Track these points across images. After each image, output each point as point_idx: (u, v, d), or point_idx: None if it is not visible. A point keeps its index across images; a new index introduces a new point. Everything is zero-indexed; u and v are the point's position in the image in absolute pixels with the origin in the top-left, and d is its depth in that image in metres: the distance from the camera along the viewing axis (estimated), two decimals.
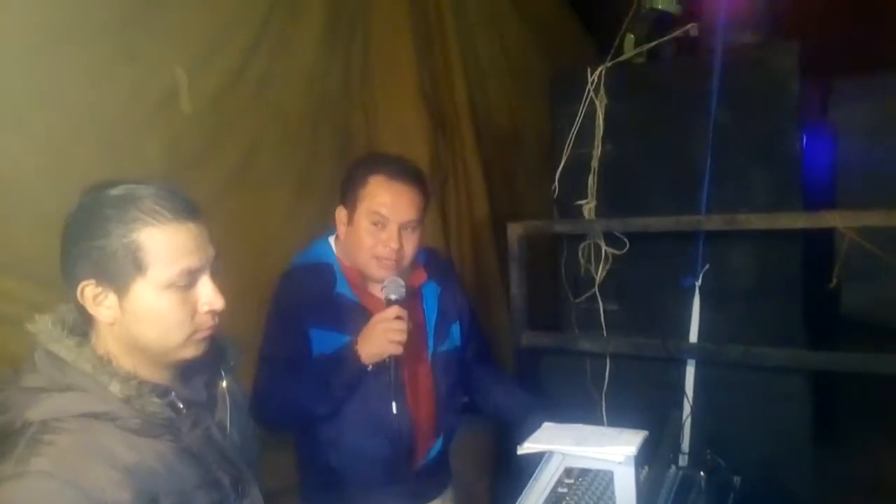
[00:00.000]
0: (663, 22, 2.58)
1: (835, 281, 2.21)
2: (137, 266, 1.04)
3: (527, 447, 1.31)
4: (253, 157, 2.31)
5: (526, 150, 3.64)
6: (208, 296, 1.10)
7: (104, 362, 1.06)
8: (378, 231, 1.71)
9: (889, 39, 5.06)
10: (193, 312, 1.10)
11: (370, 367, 1.68)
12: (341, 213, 1.78)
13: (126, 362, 1.08)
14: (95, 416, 1.02)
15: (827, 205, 3.64)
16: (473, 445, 2.42)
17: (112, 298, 1.06)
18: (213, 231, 2.03)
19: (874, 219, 2.13)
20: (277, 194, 2.39)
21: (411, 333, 1.69)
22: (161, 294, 1.06)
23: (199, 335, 1.12)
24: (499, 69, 3.53)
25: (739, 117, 2.34)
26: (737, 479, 1.81)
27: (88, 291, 1.05)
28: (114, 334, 1.08)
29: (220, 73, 2.19)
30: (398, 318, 1.66)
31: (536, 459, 1.38)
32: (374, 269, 1.74)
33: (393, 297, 1.69)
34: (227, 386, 1.26)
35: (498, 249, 3.16)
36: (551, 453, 1.31)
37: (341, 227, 1.79)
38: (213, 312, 1.11)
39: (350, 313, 1.75)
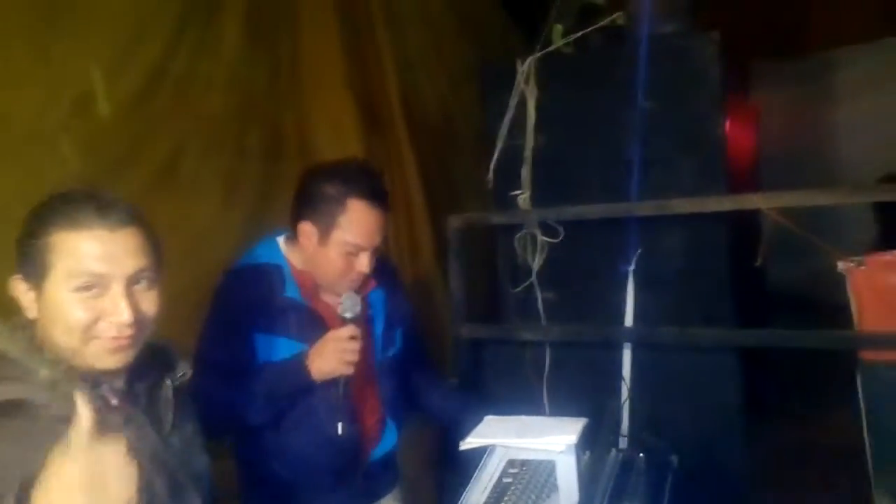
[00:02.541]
0: (590, 12, 2.61)
1: (760, 260, 2.29)
2: (48, 266, 1.08)
3: (469, 442, 1.32)
4: (177, 161, 2.24)
5: (461, 142, 3.64)
6: (112, 306, 1.09)
7: (35, 349, 1.09)
8: (351, 257, 1.68)
9: (808, 23, 5.28)
10: (96, 320, 1.09)
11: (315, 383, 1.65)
12: (308, 230, 1.70)
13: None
14: (19, 403, 1.02)
15: (751, 186, 3.77)
16: (419, 442, 2.42)
17: (31, 295, 1.10)
18: None
19: (794, 199, 2.21)
20: (205, 197, 2.32)
21: (362, 346, 1.66)
22: (66, 297, 1.08)
23: (107, 344, 1.10)
24: (430, 62, 3.51)
25: (665, 105, 2.39)
26: (674, 458, 1.86)
27: (17, 285, 1.11)
28: (40, 329, 1.11)
29: (138, 75, 2.11)
30: (353, 337, 1.63)
31: (481, 453, 1.39)
32: (340, 288, 1.71)
33: (348, 315, 1.65)
34: (172, 396, 1.23)
35: (436, 243, 3.15)
36: (494, 446, 1.32)
37: (308, 244, 1.71)
38: (119, 324, 1.09)
39: (299, 319, 1.70)
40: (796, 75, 6.00)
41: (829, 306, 2.30)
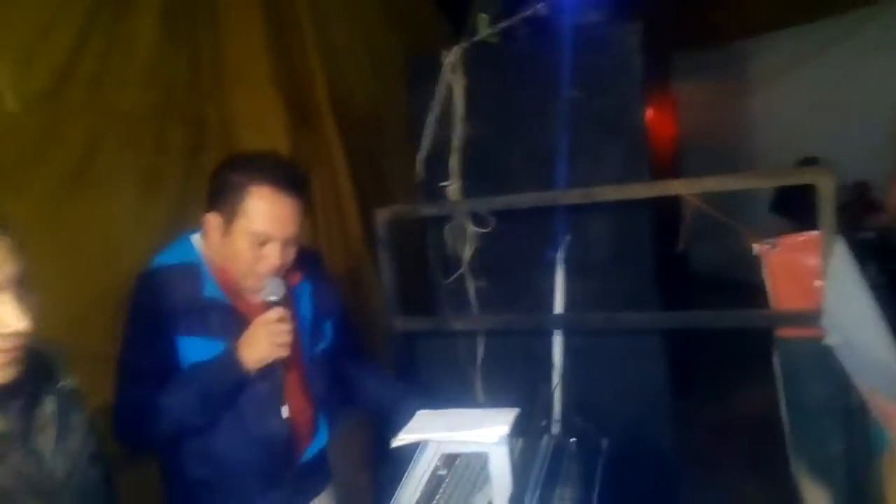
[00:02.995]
0: (514, 2, 2.62)
1: (681, 244, 2.36)
2: None
3: (400, 439, 1.31)
4: (91, 158, 2.14)
5: (390, 134, 3.62)
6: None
7: None
8: (259, 248, 1.61)
9: (724, 14, 5.46)
10: None
11: (251, 373, 1.61)
12: (215, 221, 1.63)
13: None
14: None
15: (673, 173, 3.88)
16: (352, 439, 2.40)
17: None
18: (51, 237, 1.89)
19: (713, 184, 2.29)
20: (121, 195, 2.23)
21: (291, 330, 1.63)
22: None
23: None
24: (357, 55, 3.47)
25: (589, 94, 2.42)
26: (605, 442, 1.90)
27: None
28: None
29: (48, 70, 2.00)
30: (281, 319, 1.59)
31: (415, 449, 1.38)
32: (251, 283, 1.65)
33: (273, 298, 1.61)
34: (54, 410, 1.15)
35: (367, 236, 3.13)
36: (426, 442, 1.32)
37: (214, 236, 1.65)
38: (9, 335, 1.02)
39: (221, 318, 1.64)
40: (714, 65, 6.23)
41: (747, 286, 2.39)
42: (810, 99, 5.80)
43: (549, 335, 2.49)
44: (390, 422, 1.75)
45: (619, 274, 2.46)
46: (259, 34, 2.81)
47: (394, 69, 3.37)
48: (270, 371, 1.63)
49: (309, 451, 1.83)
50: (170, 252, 1.71)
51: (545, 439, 1.80)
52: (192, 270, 1.65)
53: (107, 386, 1.63)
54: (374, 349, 2.71)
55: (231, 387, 1.61)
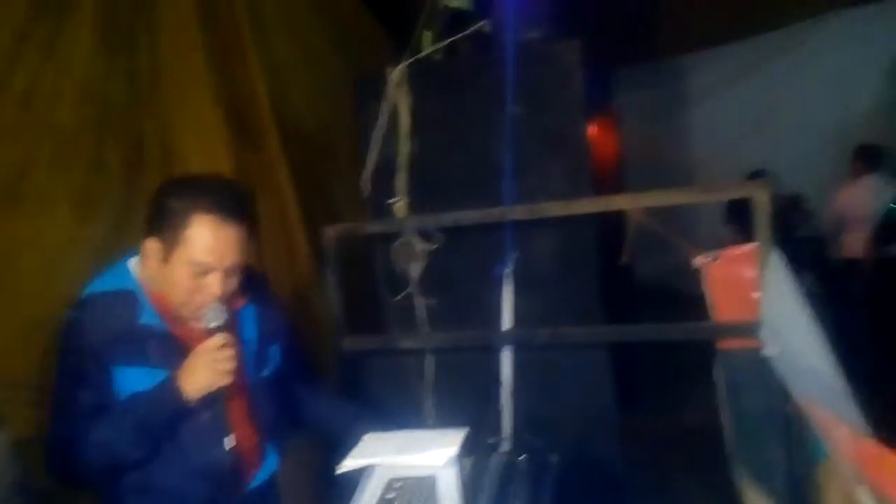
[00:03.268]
0: (458, 19, 2.64)
1: (625, 258, 2.40)
2: None
3: (347, 465, 1.29)
4: (24, 177, 2.06)
5: (337, 153, 3.59)
6: None
7: None
8: (199, 277, 1.55)
9: (665, 30, 5.62)
10: None
11: (193, 403, 1.55)
12: (154, 247, 1.57)
13: None
14: None
15: (616, 188, 3.96)
16: (302, 464, 2.35)
17: None
18: None
19: (654, 199, 2.34)
20: (55, 217, 2.15)
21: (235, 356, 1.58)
22: None
23: None
24: (301, 73, 3.43)
25: (532, 111, 2.46)
26: (555, 457, 1.91)
27: None
28: None
29: None
30: (224, 345, 1.54)
31: (365, 473, 1.36)
32: (191, 311, 1.59)
33: (215, 324, 1.55)
34: None
35: (314, 255, 3.09)
36: (373, 467, 1.30)
37: (152, 262, 1.59)
38: None
39: (160, 346, 1.58)
40: (655, 80, 6.39)
41: (689, 299, 2.44)
42: (748, 113, 5.99)
43: (498, 351, 2.50)
44: (340, 445, 1.72)
45: (566, 289, 2.49)
46: (200, 51, 2.76)
47: (340, 88, 3.35)
48: (214, 400, 1.58)
49: (257, 479, 1.78)
50: (105, 278, 1.64)
51: (495, 457, 1.80)
52: (129, 297, 1.59)
53: (38, 416, 1.57)
54: (323, 370, 2.68)
55: (171, 417, 1.56)
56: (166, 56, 2.68)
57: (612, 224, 2.70)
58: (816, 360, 1.79)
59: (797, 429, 1.98)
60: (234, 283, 1.62)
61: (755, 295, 2.05)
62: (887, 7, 5.26)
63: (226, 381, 1.55)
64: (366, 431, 1.51)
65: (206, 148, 2.71)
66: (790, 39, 5.74)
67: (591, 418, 2.45)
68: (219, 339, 1.54)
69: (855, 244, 4.69)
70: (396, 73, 2.52)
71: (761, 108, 5.92)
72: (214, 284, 1.56)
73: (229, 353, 1.55)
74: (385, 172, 2.58)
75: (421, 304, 2.56)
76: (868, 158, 4.68)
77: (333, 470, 1.41)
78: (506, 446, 2.07)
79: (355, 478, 1.35)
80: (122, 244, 2.13)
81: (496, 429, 2.36)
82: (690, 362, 2.48)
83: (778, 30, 5.72)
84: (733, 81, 6.11)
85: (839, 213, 4.75)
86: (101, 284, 1.62)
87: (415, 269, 2.56)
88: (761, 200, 2.04)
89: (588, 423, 2.43)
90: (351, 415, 1.87)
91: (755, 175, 4.74)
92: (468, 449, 1.45)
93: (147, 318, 1.58)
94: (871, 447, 1.09)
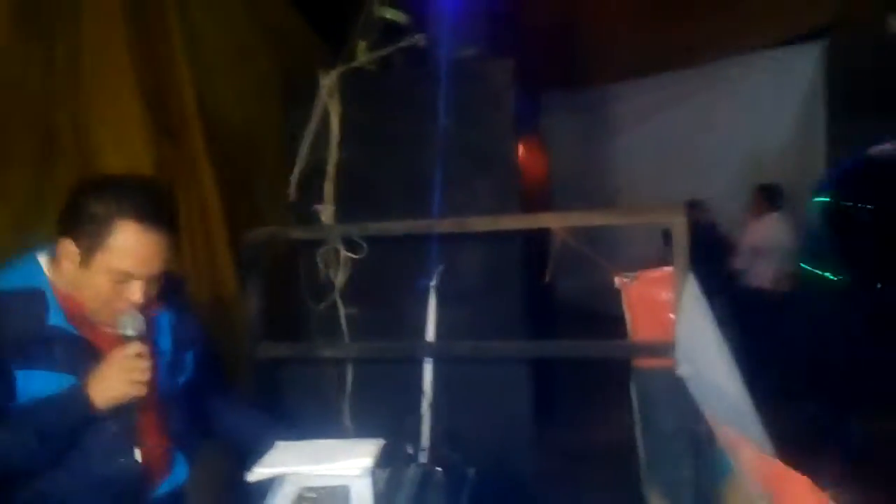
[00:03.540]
0: (393, 31, 2.65)
1: (548, 276, 2.44)
2: None
3: (257, 473, 1.24)
4: None
5: (264, 154, 3.50)
6: None
7: None
8: (119, 285, 1.48)
9: (592, 58, 5.80)
10: None
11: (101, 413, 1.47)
12: (70, 249, 1.47)
13: None
14: None
15: (542, 207, 4.03)
16: (210, 474, 2.26)
17: None
18: None
19: (578, 219, 2.40)
20: None
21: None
22: None
23: None
24: (230, 70, 3.34)
25: (463, 126, 2.48)
26: (471, 470, 1.90)
27: None
28: None
29: None
30: (139, 355, 1.46)
31: (274, 482, 1.32)
32: (106, 317, 1.51)
33: (131, 332, 1.48)
34: None
35: (236, 259, 3.00)
36: (285, 475, 1.26)
37: (68, 264, 1.49)
38: None
39: (68, 350, 1.48)
40: (582, 105, 6.58)
41: (610, 318, 2.50)
42: (668, 144, 6.24)
43: (421, 363, 2.49)
44: (250, 456, 1.67)
45: (490, 303, 2.51)
46: (123, 39, 2.64)
47: (270, 89, 3.28)
48: (124, 411, 1.50)
49: (163, 488, 1.70)
50: (11, 274, 1.53)
51: (412, 469, 1.77)
52: (36, 296, 1.49)
53: None
54: (242, 377, 2.60)
55: (76, 426, 1.46)
56: (86, 45, 2.55)
57: (537, 242, 2.75)
58: (725, 381, 1.85)
59: (705, 446, 2.04)
60: (154, 290, 1.55)
61: (671, 316, 2.12)
62: (802, 50, 5.60)
63: (139, 392, 1.47)
64: (278, 441, 1.46)
65: (123, 142, 2.59)
66: (711, 76, 6.02)
67: (510, 432, 2.47)
68: (134, 347, 1.46)
69: (762, 275, 4.94)
70: (329, 80, 2.50)
71: (681, 140, 6.17)
72: (135, 293, 1.48)
73: (145, 363, 1.47)
74: (313, 178, 2.55)
75: (343, 313, 2.53)
76: (770, 197, 4.96)
77: (243, 479, 1.36)
78: (423, 459, 2.06)
79: (266, 487, 1.30)
80: (30, 238, 2.02)
81: (415, 441, 2.34)
82: (609, 379, 2.54)
83: (699, 66, 5.99)
84: (655, 112, 6.35)
85: (750, 245, 5.00)
86: (7, 281, 1.51)
87: (339, 278, 2.52)
88: (679, 227, 2.11)
89: (506, 437, 2.45)
90: (261, 426, 1.82)
91: (693, 205, 4.96)
92: (384, 460, 1.42)
93: (55, 320, 1.48)
94: (774, 465, 1.13)
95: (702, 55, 5.82)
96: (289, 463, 1.27)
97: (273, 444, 1.46)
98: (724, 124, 5.96)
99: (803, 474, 1.03)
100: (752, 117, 5.86)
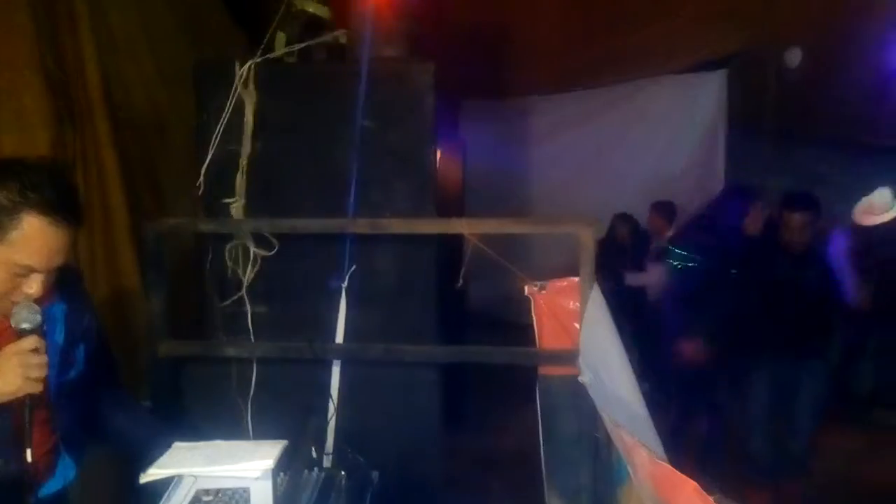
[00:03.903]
0: (314, 25, 2.60)
1: (461, 281, 2.45)
2: None
3: (151, 474, 1.19)
4: None
5: (173, 143, 3.37)
6: None
7: None
8: (19, 278, 1.40)
9: (512, 70, 5.90)
10: None
11: None
12: None
13: None
14: None
15: (457, 212, 4.06)
16: (99, 475, 2.15)
17: None
18: None
19: (491, 226, 2.43)
20: None
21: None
22: None
23: None
24: (140, 54, 3.20)
25: (382, 126, 2.46)
26: (375, 474, 1.89)
27: None
28: None
29: None
30: (36, 350, 1.38)
31: (167, 485, 1.26)
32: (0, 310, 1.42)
33: (26, 326, 1.39)
34: None
35: (138, 252, 2.86)
36: (181, 476, 1.21)
37: None
38: None
39: None
40: (501, 115, 6.68)
41: (519, 325, 2.54)
42: (581, 159, 6.42)
43: (329, 365, 2.45)
44: (142, 458, 1.59)
45: (402, 306, 2.50)
46: (24, 14, 2.49)
47: (183, 76, 3.16)
48: (14, 408, 1.40)
49: (47, 489, 1.59)
50: None
51: (315, 472, 1.75)
52: None
53: None
54: (140, 375, 2.48)
55: None
56: None
57: (450, 247, 2.76)
58: (624, 389, 1.92)
59: (605, 453, 2.11)
60: (51, 281, 1.46)
61: (576, 325, 2.17)
62: (708, 77, 5.90)
63: (34, 388, 1.39)
64: (175, 442, 1.40)
65: (20, 119, 2.46)
66: (624, 95, 6.25)
67: (417, 436, 2.46)
68: (31, 341, 1.38)
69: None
70: (244, 70, 2.43)
71: (593, 155, 6.37)
72: (34, 286, 1.40)
73: (41, 359, 1.39)
74: (224, 170, 2.46)
75: (250, 311, 2.45)
76: (666, 213, 5.17)
77: (135, 481, 1.30)
78: (327, 462, 2.02)
79: (160, 488, 1.24)
80: None
81: (320, 444, 2.29)
82: (518, 386, 2.58)
83: (614, 84, 6.21)
84: (571, 126, 6.53)
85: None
86: None
87: (248, 275, 2.45)
88: (585, 238, 2.17)
89: (413, 442, 2.44)
90: (153, 427, 1.74)
91: (621, 217, 5.14)
92: (286, 462, 1.39)
93: None
94: (664, 469, 1.18)
95: (617, 74, 6.03)
96: (185, 464, 1.22)
97: (167, 445, 1.39)
98: (633, 142, 6.19)
99: (692, 478, 1.08)
100: (659, 137, 6.12)
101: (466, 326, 4.69)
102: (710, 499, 1.04)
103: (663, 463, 1.20)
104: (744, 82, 5.82)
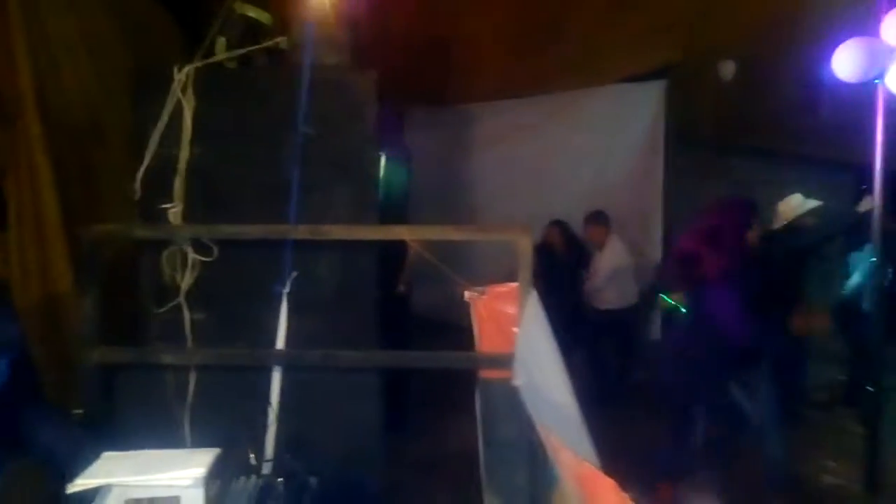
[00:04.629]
0: (255, 30, 2.59)
1: (402, 287, 2.48)
2: None
3: (79, 484, 1.18)
4: None
5: (111, 148, 3.30)
6: None
7: None
8: None
9: (455, 78, 5.94)
10: None
11: None
12: None
13: None
14: None
15: (401, 221, 4.07)
16: (25, 486, 2.09)
17: None
18: None
19: (432, 233, 2.47)
20: None
21: None
22: None
23: None
24: (78, 59, 3.13)
25: (324, 133, 2.47)
26: (313, 480, 1.90)
27: None
28: None
29: None
30: None
31: (97, 493, 1.25)
32: None
33: None
34: None
35: (73, 258, 2.80)
36: (109, 486, 1.20)
37: None
38: None
39: None
40: (444, 123, 6.71)
41: (462, 329, 2.57)
42: (523, 166, 6.48)
43: (269, 371, 2.44)
44: (69, 469, 1.57)
45: (344, 312, 2.50)
46: None
47: (121, 79, 3.11)
48: None
49: None
50: None
51: (252, 479, 1.75)
52: None
53: None
54: (72, 383, 2.42)
55: None
56: None
57: (393, 254, 2.78)
58: (556, 393, 1.97)
59: (541, 454, 2.16)
60: None
61: (515, 329, 2.22)
62: (647, 87, 6.04)
63: None
64: (104, 452, 1.39)
65: None
66: (565, 104, 6.34)
67: (358, 442, 2.47)
68: None
69: (608, 296, 5.23)
70: (183, 74, 2.40)
71: (536, 163, 6.44)
72: None
73: None
74: (163, 175, 2.43)
75: (188, 317, 2.43)
76: (600, 222, 5.29)
77: (61, 492, 1.28)
78: (265, 468, 2.02)
79: (88, 499, 1.23)
80: None
81: (258, 450, 2.28)
82: (459, 390, 2.61)
83: (556, 93, 6.30)
84: (513, 134, 6.58)
85: (609, 269, 5.25)
86: None
87: (186, 281, 2.43)
88: (523, 245, 2.23)
89: (354, 447, 2.45)
90: (77, 440, 1.72)
91: (555, 224, 5.21)
92: (220, 470, 1.39)
93: None
94: (586, 468, 1.22)
95: (558, 83, 6.12)
96: (115, 473, 1.21)
97: (95, 456, 1.38)
98: (575, 150, 6.29)
99: (611, 477, 1.13)
100: (599, 146, 6.23)
101: (411, 331, 4.71)
102: (627, 497, 1.09)
103: (585, 462, 1.25)
104: (681, 93, 5.98)
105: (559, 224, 5.40)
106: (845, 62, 3.20)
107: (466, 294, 2.38)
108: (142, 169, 2.42)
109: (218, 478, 1.47)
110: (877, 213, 3.37)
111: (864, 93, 3.31)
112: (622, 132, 6.19)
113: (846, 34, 3.23)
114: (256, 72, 2.60)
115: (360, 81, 2.51)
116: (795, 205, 4.27)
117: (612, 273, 5.16)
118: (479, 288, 2.37)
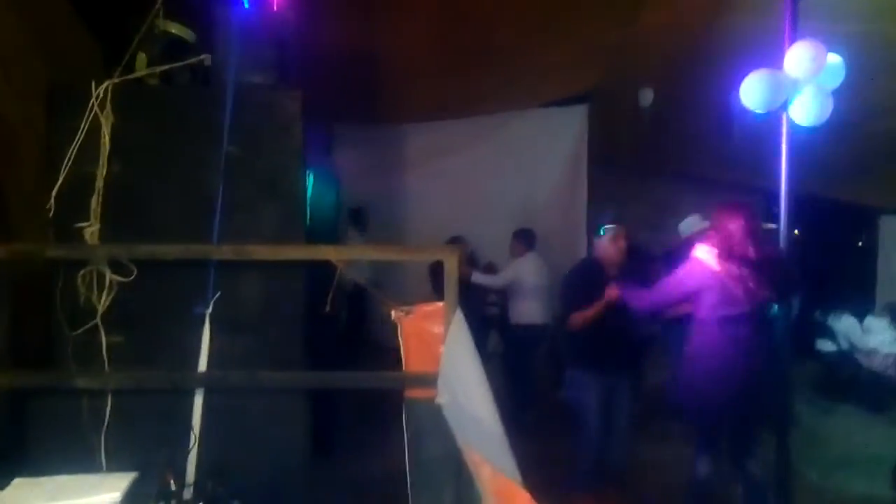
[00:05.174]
0: (177, 47, 2.55)
1: (329, 307, 2.47)
2: None
3: None
4: None
5: (23, 164, 3.16)
6: None
7: None
8: None
9: (385, 97, 5.98)
10: None
11: None
12: None
13: None
14: None
15: (330, 240, 4.05)
16: None
17: None
18: None
19: (358, 252, 2.48)
20: None
21: None
22: None
23: None
24: None
25: (249, 152, 2.45)
26: None
27: None
28: None
29: None
30: None
31: None
32: None
33: None
34: None
35: None
36: None
37: None
38: None
39: None
40: (375, 141, 6.74)
41: (391, 349, 2.58)
42: (453, 185, 6.58)
43: (191, 395, 2.38)
44: None
45: (268, 333, 2.47)
46: None
47: (36, 93, 2.99)
48: None
49: None
50: None
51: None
52: None
53: None
54: None
55: None
56: None
57: (321, 273, 2.77)
58: (480, 410, 2.00)
59: (467, 472, 2.18)
60: None
61: (441, 348, 2.24)
62: (570, 111, 6.25)
63: None
64: (15, 479, 1.33)
65: None
66: (493, 126, 6.49)
67: (284, 464, 2.44)
68: None
69: (528, 311, 5.34)
70: (101, 90, 2.35)
71: (464, 183, 6.54)
72: None
73: None
74: (79, 193, 2.36)
75: (104, 340, 2.35)
76: (526, 239, 5.45)
77: None
78: (186, 493, 1.97)
79: None
80: None
81: (180, 475, 2.22)
82: (388, 409, 2.61)
83: (483, 115, 6.43)
84: (442, 154, 6.68)
85: (509, 281, 5.38)
86: None
87: (102, 302, 2.35)
88: (450, 264, 2.26)
89: (279, 470, 2.42)
90: None
91: (453, 240, 5.25)
92: (136, 495, 1.36)
93: None
94: (503, 483, 1.25)
95: (484, 106, 6.25)
96: (27, 500, 1.17)
97: (4, 484, 1.32)
98: (502, 171, 6.42)
99: (528, 491, 1.16)
100: (525, 167, 6.39)
101: (341, 351, 4.67)
102: None
103: (501, 476, 1.27)
104: (602, 117, 6.20)
105: (457, 242, 5.48)
106: (752, 93, 3.39)
107: (393, 313, 2.39)
108: (56, 186, 2.34)
109: (133, 503, 1.43)
110: (782, 233, 3.56)
111: (770, 121, 3.51)
112: (547, 154, 6.38)
113: (754, 65, 3.42)
114: (179, 89, 2.56)
115: (286, 100, 2.51)
116: (692, 223, 4.98)
117: (512, 285, 5.29)
118: (406, 307, 2.39)
